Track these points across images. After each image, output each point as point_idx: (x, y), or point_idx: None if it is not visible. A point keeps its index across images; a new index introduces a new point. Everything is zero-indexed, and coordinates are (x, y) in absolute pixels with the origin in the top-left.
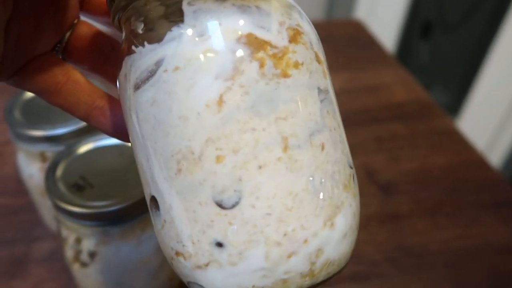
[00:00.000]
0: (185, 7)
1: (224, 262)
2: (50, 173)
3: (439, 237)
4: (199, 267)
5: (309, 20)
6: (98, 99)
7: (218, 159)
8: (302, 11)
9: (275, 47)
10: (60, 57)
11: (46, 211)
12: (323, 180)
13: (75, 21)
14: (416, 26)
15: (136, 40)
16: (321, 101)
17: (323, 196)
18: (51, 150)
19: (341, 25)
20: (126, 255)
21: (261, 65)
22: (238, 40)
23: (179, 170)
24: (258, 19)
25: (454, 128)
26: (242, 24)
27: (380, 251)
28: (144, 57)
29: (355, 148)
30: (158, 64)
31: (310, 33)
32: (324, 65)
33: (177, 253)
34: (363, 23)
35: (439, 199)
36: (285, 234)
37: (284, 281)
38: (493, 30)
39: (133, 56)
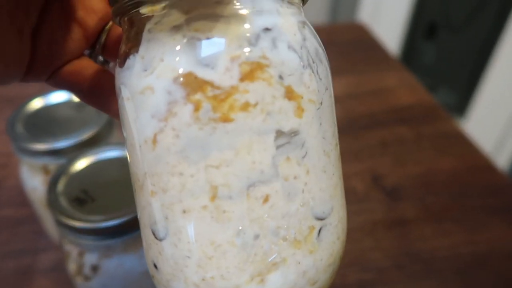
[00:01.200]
0: (145, 34)
1: (160, 282)
2: (51, 188)
3: (447, 242)
4: (151, 276)
5: (295, 44)
6: None
7: (152, 193)
8: (285, 33)
9: (218, 87)
10: (101, 59)
11: (49, 223)
12: (257, 234)
13: (110, 23)
14: (421, 27)
15: (117, 56)
16: (279, 146)
17: (253, 251)
18: (53, 163)
19: (344, 29)
20: (129, 268)
21: (196, 109)
22: (175, 80)
23: (135, 189)
24: (203, 55)
25: (460, 131)
26: (183, 61)
27: (387, 257)
28: (116, 76)
29: (360, 153)
30: (120, 88)
31: (283, 64)
32: (304, 99)
33: None
34: (366, 26)
35: (446, 203)
36: (203, 279)
37: None
38: (499, 29)
39: (115, 71)
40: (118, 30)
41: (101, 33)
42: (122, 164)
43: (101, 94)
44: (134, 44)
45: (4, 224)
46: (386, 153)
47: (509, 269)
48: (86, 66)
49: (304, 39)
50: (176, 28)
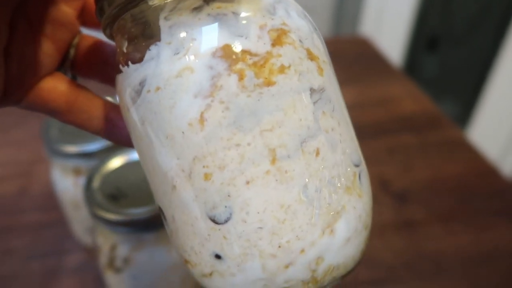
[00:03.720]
0: (162, 22)
1: (225, 273)
2: (87, 185)
3: (454, 242)
4: (204, 275)
5: (300, 12)
6: (109, 112)
7: (206, 176)
8: (290, 3)
9: (256, 54)
10: (70, 75)
11: (77, 224)
12: (318, 187)
13: (77, 37)
14: (423, 40)
15: (122, 59)
16: (315, 102)
17: (319, 204)
18: (84, 165)
19: (348, 42)
20: (159, 260)
21: (241, 77)
22: (214, 54)
23: (174, 187)
24: (235, 27)
25: (464, 138)
26: (217, 36)
27: (397, 257)
28: (129, 77)
29: (368, 160)
30: (142, 84)
31: (299, 29)
32: (320, 60)
33: (185, 261)
34: (369, 39)
35: (452, 206)
36: (279, 246)
37: None
38: (500, 40)
39: (121, 75)
40: (87, 43)
41: (69, 48)
42: None
43: (79, 110)
44: (149, 37)
45: (30, 228)
46: (393, 160)
47: None
48: (59, 82)
49: (303, 10)
50: (198, 9)
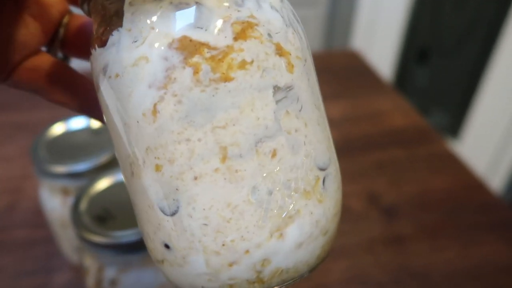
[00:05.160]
0: (126, 8)
1: (173, 262)
2: (75, 206)
3: (442, 257)
4: (158, 261)
5: (275, 4)
6: (92, 91)
7: (157, 168)
8: None
9: (214, 48)
10: (60, 54)
11: (66, 243)
12: (270, 189)
13: (66, 17)
14: (413, 52)
15: (91, 41)
16: (278, 101)
17: (269, 206)
18: (73, 185)
19: (339, 56)
20: (146, 281)
21: (196, 71)
22: (170, 45)
23: (132, 173)
24: (195, 19)
25: (452, 152)
26: (175, 26)
27: (385, 272)
28: (96, 60)
29: (356, 173)
30: (105, 69)
31: (269, 22)
32: (292, 56)
33: (146, 245)
34: (360, 53)
35: (440, 221)
36: (223, 245)
37: (231, 286)
38: (489, 52)
39: (91, 58)
40: (76, 23)
41: (59, 28)
42: None
43: (62, 88)
44: (114, 22)
45: (19, 245)
46: (382, 174)
47: (501, 282)
48: (44, 61)
49: (282, 1)
50: None
